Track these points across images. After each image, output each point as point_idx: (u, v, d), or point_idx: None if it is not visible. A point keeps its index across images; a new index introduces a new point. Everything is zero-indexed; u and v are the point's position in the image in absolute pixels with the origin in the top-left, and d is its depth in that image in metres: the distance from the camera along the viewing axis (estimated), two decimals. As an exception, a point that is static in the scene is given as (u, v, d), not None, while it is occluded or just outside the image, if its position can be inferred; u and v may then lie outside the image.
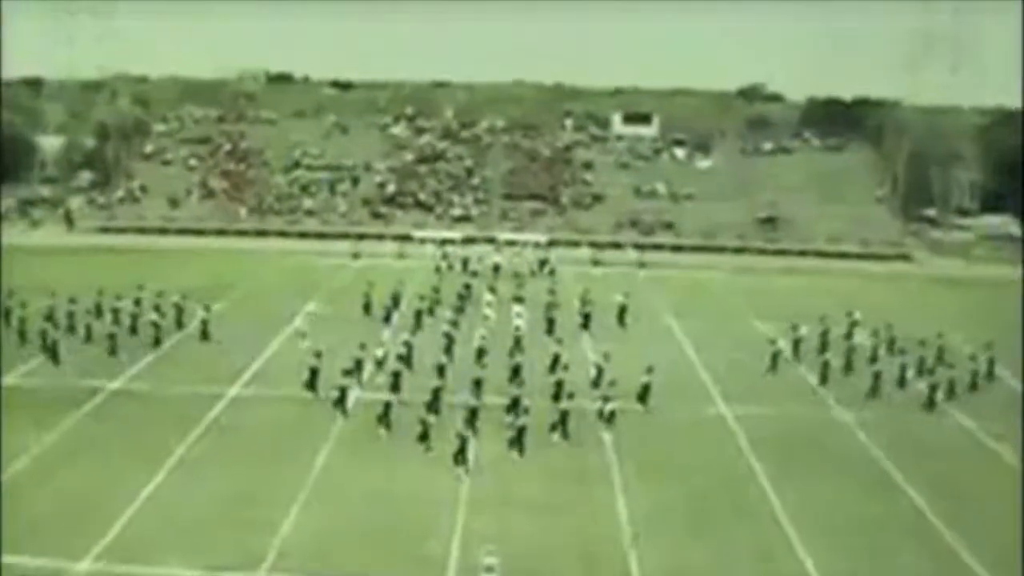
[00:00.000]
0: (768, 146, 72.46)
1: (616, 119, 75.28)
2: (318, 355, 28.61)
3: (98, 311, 35.16)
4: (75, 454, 23.76)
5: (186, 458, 23.72)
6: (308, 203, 63.81)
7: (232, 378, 30.00)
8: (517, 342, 31.68)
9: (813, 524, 20.99)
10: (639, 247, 56.59)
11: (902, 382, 31.03)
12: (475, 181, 66.89)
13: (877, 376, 30.63)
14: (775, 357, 32.67)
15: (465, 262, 49.70)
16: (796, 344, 34.18)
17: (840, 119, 76.45)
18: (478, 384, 27.50)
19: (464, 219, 62.53)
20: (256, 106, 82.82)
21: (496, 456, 24.28)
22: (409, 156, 69.63)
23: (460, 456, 23.11)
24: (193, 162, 68.62)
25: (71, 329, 33.94)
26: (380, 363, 29.83)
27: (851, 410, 28.90)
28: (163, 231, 60.22)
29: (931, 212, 71.43)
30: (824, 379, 31.40)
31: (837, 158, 70.32)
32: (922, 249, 62.41)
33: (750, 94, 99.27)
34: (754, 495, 22.66)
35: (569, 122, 76.96)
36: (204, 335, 34.09)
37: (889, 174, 68.30)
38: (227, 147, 70.28)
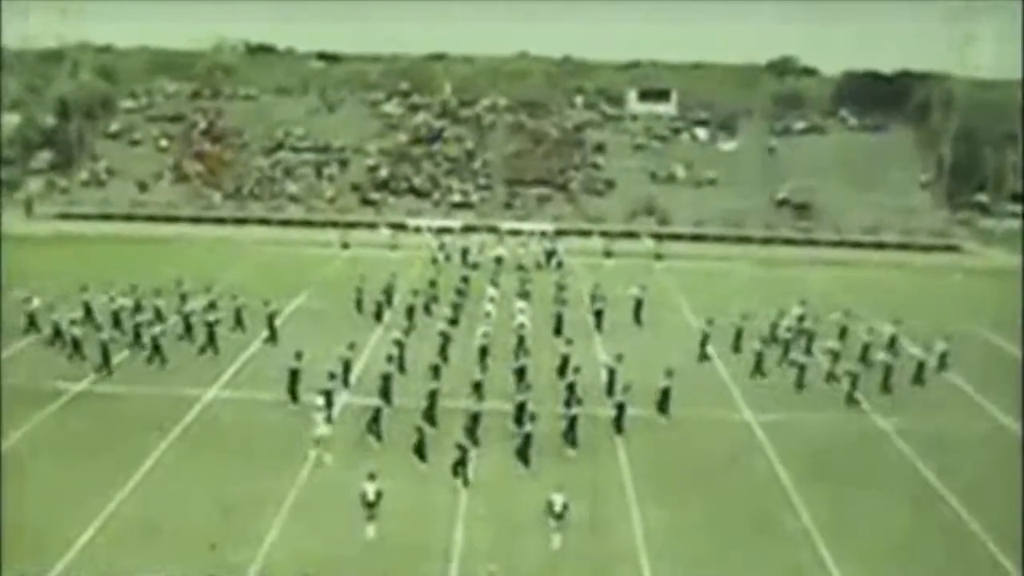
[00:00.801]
0: (799, 125, 72.35)
1: (631, 96, 75.22)
2: (299, 356, 28.73)
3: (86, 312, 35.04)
4: (44, 455, 24.12)
5: (159, 465, 23.93)
6: (292, 188, 63.93)
7: (210, 380, 30.21)
8: (521, 342, 31.81)
9: (848, 544, 21.11)
10: (656, 237, 56.64)
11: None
12: (475, 164, 66.94)
13: (888, 371, 31.32)
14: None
15: (464, 253, 49.77)
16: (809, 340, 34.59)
17: (880, 95, 76.33)
18: (479, 388, 27.58)
19: (463, 206, 62.61)
20: (234, 81, 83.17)
21: (499, 468, 24.42)
22: (403, 137, 69.68)
23: (459, 468, 23.24)
24: (164, 142, 68.70)
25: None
26: (346, 368, 29.82)
27: (888, 417, 29.03)
28: (131, 218, 60.39)
29: (982, 198, 71.35)
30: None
31: (876, 138, 70.17)
32: (971, 239, 62.38)
33: (780, 67, 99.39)
34: (783, 510, 22.78)
35: (579, 100, 76.99)
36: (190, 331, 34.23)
37: (934, 156, 68.21)
38: (202, 126, 70.36)
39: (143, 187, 63.62)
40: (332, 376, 27.57)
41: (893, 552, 20.93)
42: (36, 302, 34.77)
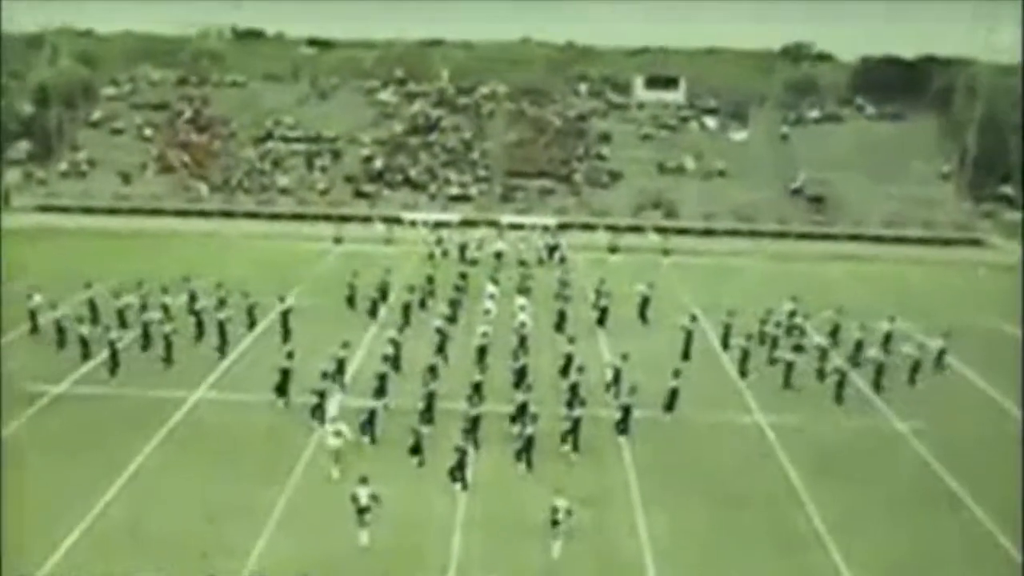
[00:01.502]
0: (814, 114, 72.41)
1: (638, 83, 75.25)
2: (290, 355, 28.84)
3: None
4: (25, 457, 24.23)
5: (143, 469, 24.07)
6: (282, 180, 63.98)
7: (196, 381, 30.33)
8: (523, 341, 31.92)
9: (862, 550, 21.22)
10: (663, 231, 56.75)
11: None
12: (474, 155, 67.02)
13: (880, 369, 31.62)
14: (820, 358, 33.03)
15: (463, 249, 49.86)
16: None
17: (900, 82, 76.35)
18: (478, 388, 27.72)
19: (462, 199, 62.69)
20: (221, 67, 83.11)
21: (499, 471, 24.55)
22: (398, 126, 69.76)
23: (457, 471, 23.37)
24: (148, 131, 68.74)
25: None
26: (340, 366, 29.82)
27: (907, 420, 29.11)
28: (113, 211, 60.47)
29: (1007, 190, 71.33)
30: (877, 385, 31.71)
31: (896, 127, 70.24)
32: (996, 233, 62.44)
33: (794, 53, 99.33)
34: (795, 514, 22.89)
35: (583, 87, 77.04)
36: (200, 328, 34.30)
37: (957, 146, 68.15)
38: (188, 114, 70.43)
39: (126, 179, 63.68)
40: (325, 376, 27.69)
41: (907, 556, 21.06)
42: (37, 298, 34.75)
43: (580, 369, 28.87)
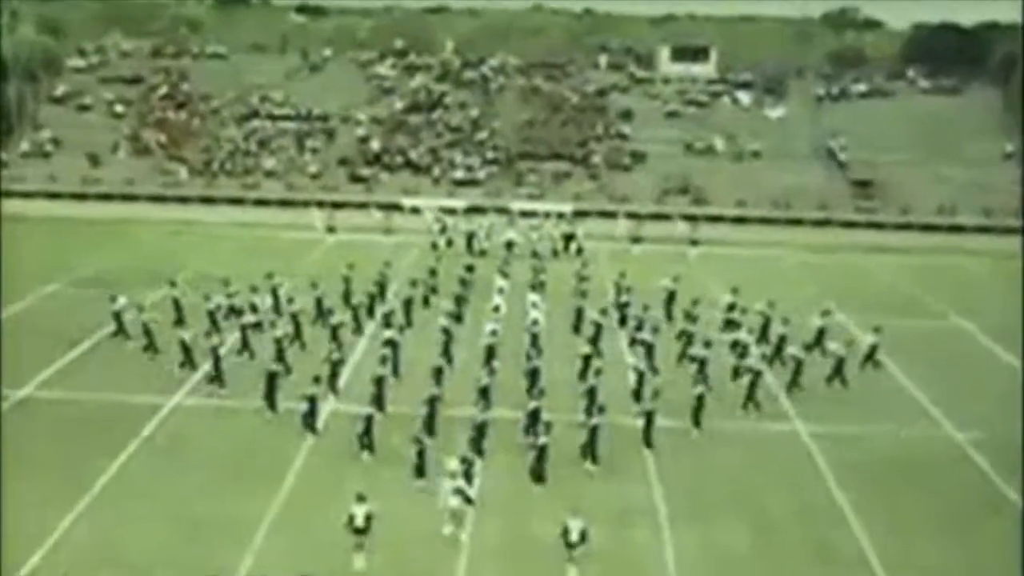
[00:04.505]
0: (861, 88, 72.30)
1: (663, 55, 75.26)
2: (279, 357, 28.89)
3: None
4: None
5: (115, 482, 24.14)
6: (269, 162, 64.18)
7: (174, 385, 30.43)
8: (535, 340, 31.97)
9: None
10: (690, 219, 56.72)
11: None
12: (482, 135, 67.08)
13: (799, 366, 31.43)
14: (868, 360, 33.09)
15: (469, 238, 50.04)
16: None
17: (957, 52, 76.06)
18: (486, 393, 27.73)
19: (468, 183, 62.79)
20: (202, 37, 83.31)
21: (509, 486, 24.61)
22: (398, 103, 69.86)
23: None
24: (120, 108, 69.06)
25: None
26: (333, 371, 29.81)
27: (966, 431, 29.06)
28: (81, 196, 60.71)
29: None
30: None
31: (952, 103, 70.13)
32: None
33: (837, 21, 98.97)
34: (838, 537, 22.89)
35: (602, 59, 77.04)
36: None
37: (1021, 122, 67.87)
38: (164, 89, 70.68)
39: (95, 161, 63.89)
40: (317, 380, 27.74)
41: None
42: (122, 301, 34.53)
43: (598, 372, 28.87)
